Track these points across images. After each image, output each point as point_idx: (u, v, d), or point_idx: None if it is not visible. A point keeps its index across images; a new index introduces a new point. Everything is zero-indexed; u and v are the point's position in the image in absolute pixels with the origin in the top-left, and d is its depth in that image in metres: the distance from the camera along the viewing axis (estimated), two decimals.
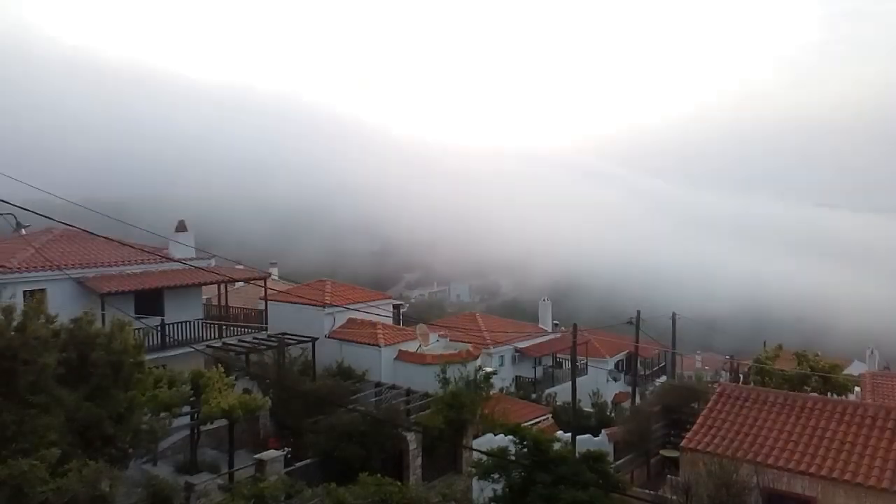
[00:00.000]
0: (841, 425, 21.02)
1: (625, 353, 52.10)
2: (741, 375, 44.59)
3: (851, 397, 35.57)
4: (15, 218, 15.71)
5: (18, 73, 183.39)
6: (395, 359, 34.41)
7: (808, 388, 36.05)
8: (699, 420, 23.21)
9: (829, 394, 36.58)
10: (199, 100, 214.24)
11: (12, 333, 15.43)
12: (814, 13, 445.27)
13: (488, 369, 33.25)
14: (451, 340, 38.02)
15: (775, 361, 40.25)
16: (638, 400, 40.68)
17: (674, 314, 44.31)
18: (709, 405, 23.74)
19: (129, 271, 29.81)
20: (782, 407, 22.45)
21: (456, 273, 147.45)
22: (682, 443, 22.56)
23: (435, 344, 36.11)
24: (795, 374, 37.54)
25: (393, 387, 32.07)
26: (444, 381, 29.29)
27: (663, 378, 51.10)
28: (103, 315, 25.05)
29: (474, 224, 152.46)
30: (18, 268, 26.51)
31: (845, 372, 43.99)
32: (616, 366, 52.77)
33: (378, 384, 32.41)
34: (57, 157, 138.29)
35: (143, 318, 27.61)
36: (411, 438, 25.41)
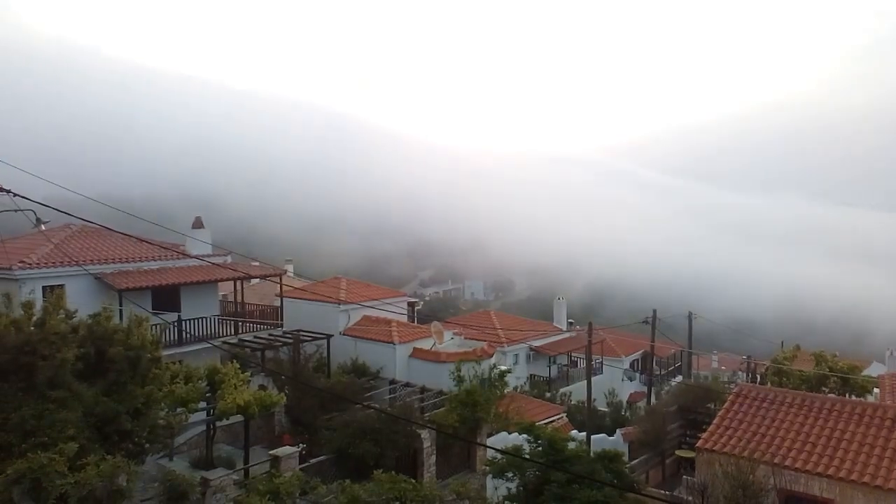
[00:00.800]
0: (860, 427, 20.76)
1: (640, 352, 51.88)
2: (758, 376, 44.23)
3: (870, 399, 35.17)
4: (35, 214, 15.82)
5: (58, 77, 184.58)
6: (410, 356, 34.43)
7: (827, 390, 35.70)
8: (716, 420, 23.03)
9: (847, 395, 36.21)
10: (224, 103, 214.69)
11: (32, 329, 15.61)
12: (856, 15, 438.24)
13: (503, 367, 33.18)
14: (465, 338, 37.99)
15: (793, 362, 39.91)
16: (653, 400, 40.48)
17: (690, 314, 44.01)
18: (725, 405, 23.55)
19: (146, 267, 30.06)
20: (800, 408, 22.22)
21: (495, 274, 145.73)
22: (699, 443, 22.38)
23: (449, 342, 36.10)
24: (813, 375, 37.19)
25: (407, 384, 32.11)
26: (459, 379, 29.29)
27: (679, 378, 50.79)
28: (121, 311, 25.23)
29: (508, 227, 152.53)
30: (38, 264, 26.79)
31: (864, 373, 43.48)
32: (631, 365, 52.57)
33: (392, 382, 32.47)
34: (93, 156, 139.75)
35: (160, 314, 27.81)
36: (425, 436, 25.44)
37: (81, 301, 20.95)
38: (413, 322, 41.01)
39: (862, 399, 32.59)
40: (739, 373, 54.79)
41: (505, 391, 31.90)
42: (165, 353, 21.06)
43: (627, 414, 38.92)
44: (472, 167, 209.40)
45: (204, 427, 24.26)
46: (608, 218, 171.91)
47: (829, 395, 32.24)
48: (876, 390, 36.73)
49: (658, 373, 49.73)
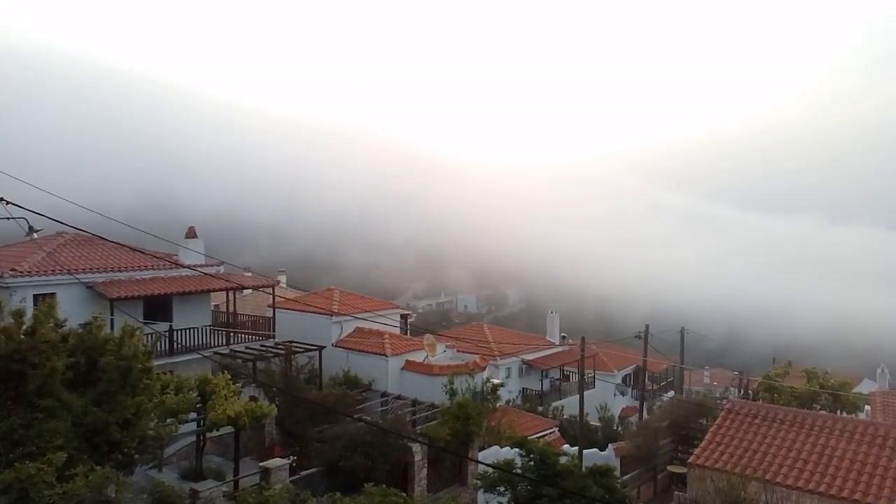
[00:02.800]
0: (851, 444, 20.81)
1: (632, 367, 51.88)
2: (750, 392, 44.31)
3: (861, 416, 35.28)
4: (27, 222, 15.74)
5: (72, 87, 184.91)
6: (402, 369, 34.33)
7: (818, 406, 35.80)
8: (707, 436, 23.04)
9: (838, 412, 36.30)
10: (240, 122, 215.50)
11: (22, 337, 15.49)
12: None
13: (496, 381, 33.13)
14: (458, 351, 37.95)
15: (785, 378, 40.00)
16: (645, 415, 40.44)
17: (682, 329, 44.09)
18: (717, 421, 23.57)
19: (138, 277, 29.95)
20: (791, 424, 22.25)
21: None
22: (690, 459, 22.38)
23: (442, 354, 36.04)
24: (805, 392, 37.30)
25: (399, 397, 31.99)
26: (451, 393, 29.21)
27: (671, 393, 50.79)
28: (112, 320, 25.13)
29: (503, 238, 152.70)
30: (29, 272, 26.67)
31: (855, 390, 43.63)
32: (624, 380, 52.56)
33: (384, 394, 32.35)
34: (104, 166, 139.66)
35: (151, 323, 27.69)
36: (417, 450, 25.34)
37: (73, 310, 20.81)
38: (406, 334, 40.92)
39: (853, 416, 32.69)
40: (731, 389, 54.87)
41: (497, 405, 31.83)
42: (156, 363, 20.94)
43: (619, 429, 38.88)
44: (473, 179, 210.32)
45: (194, 438, 24.10)
46: (607, 233, 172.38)
47: (821, 411, 32.32)
48: (867, 407, 36.86)
49: (650, 388, 49.71)
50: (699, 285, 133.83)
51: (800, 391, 37.48)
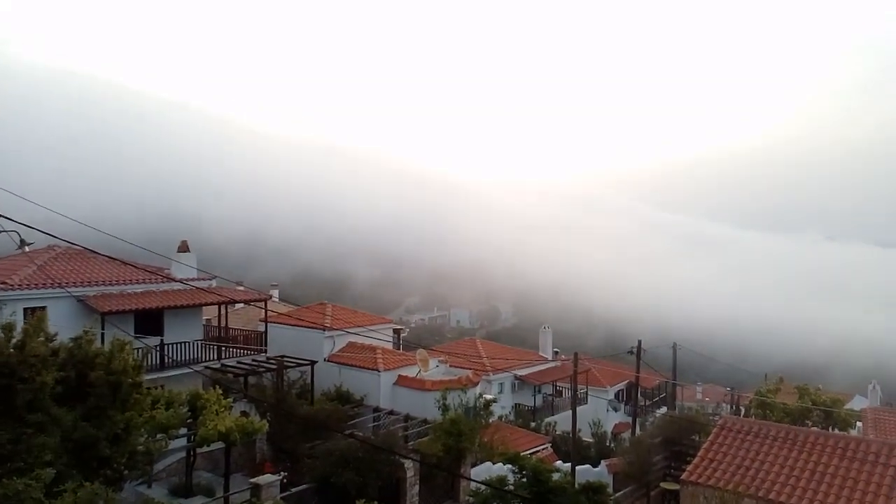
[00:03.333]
0: (843, 461, 20.79)
1: (625, 382, 51.82)
2: (742, 408, 44.31)
3: (853, 433, 35.29)
4: (19, 235, 15.69)
5: (71, 104, 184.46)
6: (395, 384, 34.22)
7: (810, 423, 35.81)
8: (700, 453, 22.98)
9: (830, 428, 36.33)
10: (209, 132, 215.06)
11: (11, 351, 15.38)
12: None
13: (488, 396, 33.03)
14: (450, 366, 37.87)
15: (777, 395, 40.03)
16: (638, 431, 40.35)
17: (675, 345, 44.14)
18: (710, 438, 23.52)
19: (130, 291, 29.81)
20: (784, 441, 22.23)
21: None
22: (683, 476, 22.30)
23: (435, 370, 35.96)
24: (797, 408, 37.32)
25: (391, 412, 31.85)
26: (444, 408, 29.10)
27: (664, 409, 50.73)
28: (103, 334, 24.98)
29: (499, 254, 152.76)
30: (19, 285, 26.50)
31: (847, 407, 43.69)
32: (616, 395, 52.47)
33: (377, 409, 32.21)
34: (109, 182, 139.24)
35: (142, 337, 27.54)
36: (409, 466, 25.18)
37: (63, 324, 20.67)
38: (398, 349, 40.81)
39: (845, 433, 32.70)
40: (724, 405, 54.89)
41: (490, 420, 31.72)
42: (147, 377, 20.81)
43: (612, 445, 38.77)
44: (465, 194, 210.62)
45: (184, 454, 23.91)
46: (605, 251, 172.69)
47: (813, 428, 32.33)
48: (859, 424, 36.88)
49: (643, 404, 49.64)
50: (700, 303, 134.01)
51: (792, 407, 37.52)
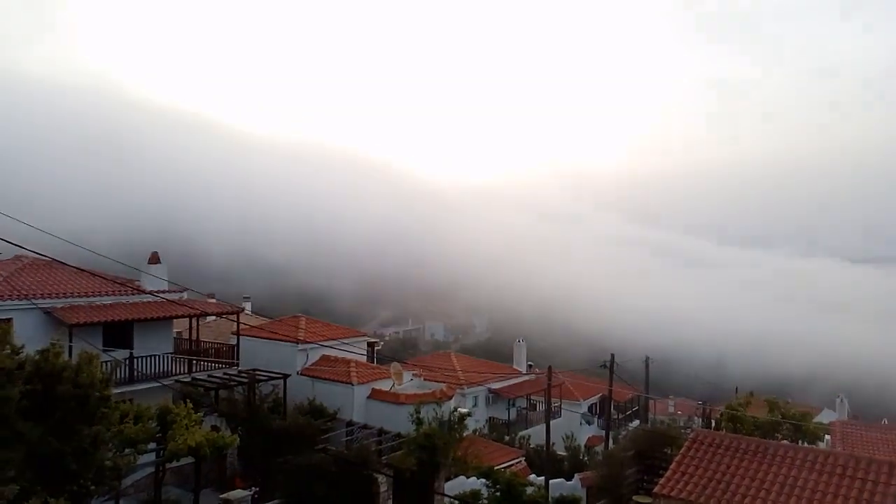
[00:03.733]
0: (812, 474, 21.05)
1: (598, 396, 52.07)
2: (713, 421, 44.72)
3: (822, 446, 35.79)
4: None
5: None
6: (369, 398, 34.00)
7: (780, 436, 36.23)
8: (672, 466, 23.11)
9: (800, 442, 36.79)
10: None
11: None
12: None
13: (463, 410, 32.94)
14: (425, 380, 37.73)
15: (747, 408, 40.46)
16: (611, 444, 40.52)
17: (647, 358, 44.48)
18: (682, 451, 23.67)
19: (98, 302, 29.31)
20: (754, 454, 22.46)
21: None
22: (655, 489, 22.40)
23: (409, 383, 35.79)
24: (767, 422, 37.74)
25: (365, 426, 31.63)
26: (418, 422, 28.95)
27: (636, 422, 51.03)
28: (71, 347, 24.53)
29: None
30: None
31: (816, 420, 44.31)
32: (590, 409, 52.69)
33: (350, 423, 31.95)
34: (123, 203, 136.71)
35: (111, 350, 27.08)
36: (382, 480, 25.01)
37: (30, 336, 20.29)
38: (373, 363, 40.59)
39: (814, 446, 33.14)
40: (696, 418, 55.36)
41: (464, 434, 31.63)
42: (116, 391, 20.49)
43: (585, 458, 38.87)
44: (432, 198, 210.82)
45: (153, 469, 23.50)
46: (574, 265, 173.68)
47: (783, 441, 32.73)
48: (827, 437, 37.41)
49: (616, 417, 49.89)
50: (680, 318, 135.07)
51: (762, 420, 37.93)
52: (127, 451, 19.21)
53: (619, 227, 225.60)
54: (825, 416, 52.25)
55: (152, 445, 21.88)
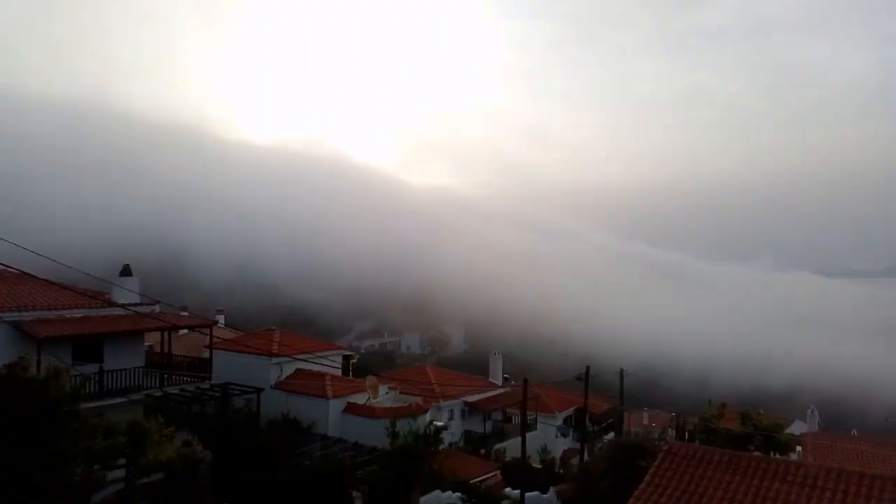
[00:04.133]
0: (783, 485, 21.24)
1: (574, 408, 52.19)
2: (686, 433, 45.01)
3: (793, 457, 36.18)
4: None
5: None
6: (344, 411, 33.79)
7: (752, 447, 36.56)
8: (646, 478, 23.19)
9: (772, 453, 37.15)
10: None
11: None
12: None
13: (438, 423, 32.85)
14: (401, 393, 37.58)
15: (720, 420, 40.80)
16: (586, 456, 40.60)
17: (622, 370, 44.66)
18: (656, 463, 23.77)
19: (68, 315, 28.81)
20: (727, 466, 22.62)
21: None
22: (630, 501, 22.48)
23: (385, 396, 35.63)
24: (740, 433, 38.06)
25: (340, 440, 31.40)
26: (393, 435, 28.79)
27: (611, 434, 51.17)
28: (39, 361, 24.04)
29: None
30: None
31: (787, 431, 44.82)
32: (565, 421, 52.77)
33: (325, 437, 31.70)
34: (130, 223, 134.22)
35: (81, 364, 26.60)
36: (357, 495, 24.83)
37: None
38: (348, 376, 40.34)
39: (786, 458, 33.49)
40: (669, 430, 55.67)
41: (440, 447, 31.51)
42: (85, 406, 20.10)
43: (561, 471, 38.90)
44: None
45: (123, 485, 23.06)
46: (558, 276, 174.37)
47: (755, 453, 33.02)
48: (799, 448, 37.84)
49: (591, 429, 50.01)
50: (663, 331, 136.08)
51: (735, 432, 38.24)
52: (95, 466, 18.84)
53: (603, 241, 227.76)
54: (796, 428, 52.89)
55: (122, 461, 21.50)
